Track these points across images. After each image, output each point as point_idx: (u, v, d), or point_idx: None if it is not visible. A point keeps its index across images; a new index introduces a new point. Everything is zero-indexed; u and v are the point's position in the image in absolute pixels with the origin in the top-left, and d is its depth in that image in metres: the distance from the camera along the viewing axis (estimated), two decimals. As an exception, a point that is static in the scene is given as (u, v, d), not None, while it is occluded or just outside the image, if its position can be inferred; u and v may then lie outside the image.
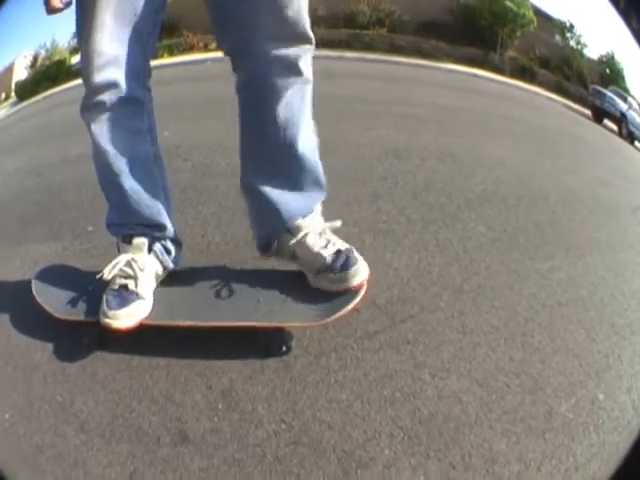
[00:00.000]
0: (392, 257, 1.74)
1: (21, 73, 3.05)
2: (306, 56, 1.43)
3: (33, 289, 1.59)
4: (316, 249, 1.47)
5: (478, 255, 1.76)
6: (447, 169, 2.22)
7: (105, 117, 1.46)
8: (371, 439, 1.24)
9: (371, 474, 1.18)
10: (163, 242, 1.57)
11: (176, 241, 1.61)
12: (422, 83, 2.92)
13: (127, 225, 1.55)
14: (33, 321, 1.58)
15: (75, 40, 2.85)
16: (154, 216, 1.54)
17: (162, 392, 1.38)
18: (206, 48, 2.58)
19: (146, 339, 1.47)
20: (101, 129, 1.47)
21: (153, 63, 1.53)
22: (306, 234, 1.49)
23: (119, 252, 1.54)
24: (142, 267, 1.50)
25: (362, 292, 1.42)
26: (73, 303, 1.53)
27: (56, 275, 1.67)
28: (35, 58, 2.98)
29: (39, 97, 3.04)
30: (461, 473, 1.17)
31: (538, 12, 2.73)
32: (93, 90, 1.44)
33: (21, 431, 1.32)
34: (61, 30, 2.85)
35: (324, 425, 1.27)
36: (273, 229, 1.52)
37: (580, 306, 1.59)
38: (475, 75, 2.78)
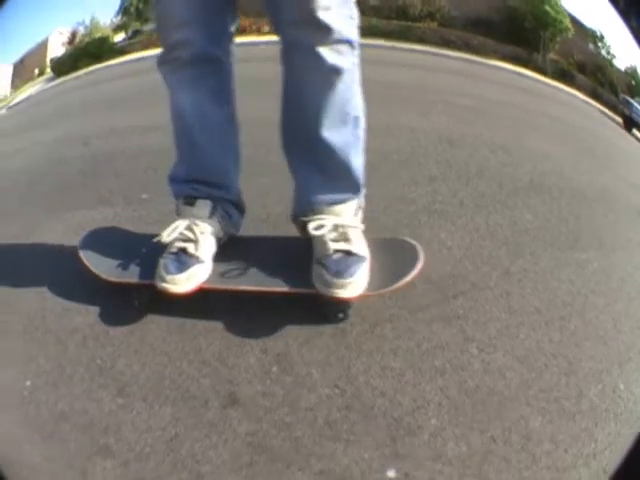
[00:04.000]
0: (446, 236, 1.77)
1: (57, 49, 3.06)
2: (333, 46, 1.36)
3: (80, 251, 1.57)
4: (325, 238, 1.41)
5: (524, 240, 1.80)
6: (497, 159, 2.27)
7: (180, 72, 1.48)
8: (420, 407, 1.25)
9: (418, 442, 1.19)
10: (225, 207, 1.55)
11: (239, 206, 1.60)
12: (471, 77, 2.98)
13: (191, 183, 1.53)
14: (72, 285, 1.58)
15: (118, 18, 2.90)
16: (220, 174, 1.54)
17: (215, 355, 1.37)
18: (259, 32, 2.62)
19: (202, 303, 1.45)
20: (176, 83, 1.49)
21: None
22: (323, 220, 1.44)
23: (178, 216, 1.53)
24: (203, 231, 1.48)
25: (419, 265, 1.44)
26: (124, 266, 1.51)
27: (105, 238, 1.65)
28: (73, 35, 3.00)
29: (80, 72, 3.03)
30: (500, 447, 1.19)
31: (572, 20, 2.80)
32: (168, 47, 1.47)
33: (43, 398, 1.29)
34: (100, 8, 2.90)
35: (376, 392, 1.28)
36: (298, 205, 1.52)
37: (610, 297, 1.62)
38: (520, 74, 2.86)
